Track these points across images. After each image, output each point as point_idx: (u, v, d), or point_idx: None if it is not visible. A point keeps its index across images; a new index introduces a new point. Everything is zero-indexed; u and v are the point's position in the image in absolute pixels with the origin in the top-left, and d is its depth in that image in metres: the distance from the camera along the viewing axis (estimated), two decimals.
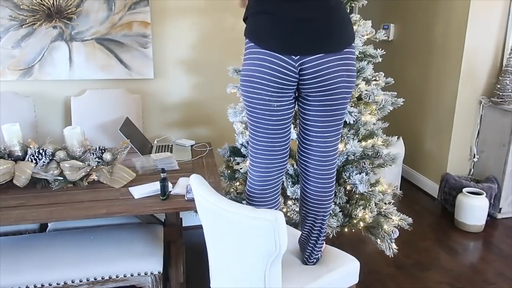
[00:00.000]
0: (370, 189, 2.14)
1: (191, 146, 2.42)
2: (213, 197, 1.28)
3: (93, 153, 1.83)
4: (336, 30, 1.37)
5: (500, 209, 3.09)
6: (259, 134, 1.50)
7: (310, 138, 1.52)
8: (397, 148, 3.27)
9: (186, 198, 1.66)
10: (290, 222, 2.17)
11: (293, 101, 1.48)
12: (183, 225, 2.65)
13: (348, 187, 2.22)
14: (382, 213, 2.24)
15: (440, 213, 3.21)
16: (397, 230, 2.16)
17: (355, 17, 2.14)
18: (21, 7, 2.32)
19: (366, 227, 2.21)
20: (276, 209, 1.62)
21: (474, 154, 3.32)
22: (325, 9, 1.35)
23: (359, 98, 2.20)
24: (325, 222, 1.61)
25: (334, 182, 1.59)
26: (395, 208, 2.28)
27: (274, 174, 1.56)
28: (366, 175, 2.10)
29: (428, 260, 2.55)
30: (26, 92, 2.47)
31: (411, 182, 3.83)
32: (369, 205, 2.18)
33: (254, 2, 1.41)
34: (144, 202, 1.65)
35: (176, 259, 1.87)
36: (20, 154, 1.80)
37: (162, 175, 1.65)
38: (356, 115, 2.08)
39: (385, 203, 2.26)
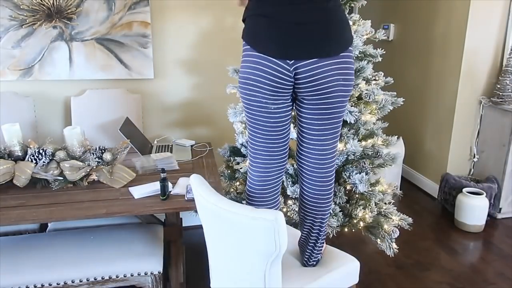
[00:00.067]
0: (370, 189, 2.14)
1: (191, 146, 2.42)
2: (213, 197, 1.28)
3: (93, 153, 1.83)
4: (332, 34, 1.36)
5: (500, 209, 3.09)
6: (258, 135, 1.50)
7: (307, 141, 1.51)
8: (397, 148, 3.27)
9: (186, 198, 1.66)
10: (290, 222, 2.17)
11: (290, 103, 1.48)
12: (183, 225, 2.65)
13: (348, 187, 2.22)
14: (382, 213, 2.24)
15: (440, 213, 3.21)
16: (397, 230, 2.16)
17: (355, 17, 2.14)
18: (21, 7, 2.32)
19: (366, 227, 2.21)
20: (276, 209, 1.62)
21: (474, 154, 3.32)
22: (323, 12, 1.35)
23: (359, 98, 2.20)
24: (323, 224, 1.61)
25: (333, 185, 1.59)
26: (395, 208, 2.28)
27: (274, 174, 1.56)
28: (366, 174, 2.10)
29: (428, 260, 2.55)
30: (26, 92, 2.47)
31: (411, 182, 3.83)
32: (369, 205, 2.18)
33: (254, 4, 1.41)
34: (144, 202, 1.65)
35: (176, 259, 1.87)
36: (20, 154, 1.80)
37: (162, 175, 1.65)
38: (356, 115, 2.08)
39: (385, 203, 2.26)
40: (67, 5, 2.37)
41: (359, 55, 2.17)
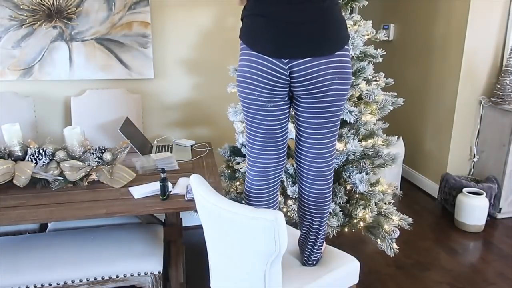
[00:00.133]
0: (370, 189, 2.14)
1: (191, 146, 2.42)
2: (213, 197, 1.28)
3: (93, 153, 1.83)
4: (328, 33, 1.36)
5: (500, 209, 3.09)
6: (256, 134, 1.51)
7: (305, 140, 1.52)
8: (397, 148, 3.27)
9: (186, 198, 1.66)
10: (290, 222, 2.17)
11: (287, 101, 1.48)
12: (183, 225, 2.65)
13: (348, 187, 2.22)
14: (382, 213, 2.24)
15: (440, 213, 3.21)
16: (397, 230, 2.16)
17: (355, 17, 2.14)
18: (21, 7, 2.32)
19: (366, 227, 2.21)
20: (274, 209, 1.62)
21: (474, 154, 3.32)
22: (320, 11, 1.35)
23: (360, 98, 2.20)
24: (322, 224, 1.61)
25: (331, 185, 1.59)
26: (395, 208, 2.28)
27: (272, 174, 1.56)
28: (366, 174, 2.10)
29: (428, 260, 2.55)
30: (26, 92, 2.47)
31: (411, 182, 3.83)
32: (369, 205, 2.18)
33: (251, 3, 1.41)
34: (144, 202, 1.65)
35: (176, 259, 1.87)
36: (20, 154, 1.80)
37: (162, 175, 1.65)
38: (356, 115, 2.08)
39: (385, 203, 2.26)
40: (67, 5, 2.37)
41: (359, 55, 2.17)
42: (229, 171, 2.41)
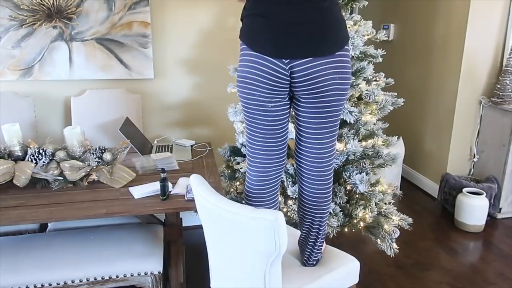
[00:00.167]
0: (370, 189, 2.14)
1: (191, 146, 2.42)
2: (213, 197, 1.28)
3: (93, 153, 1.83)
4: (328, 34, 1.36)
5: (500, 209, 3.09)
6: (256, 134, 1.51)
7: (305, 139, 1.52)
8: (397, 148, 3.27)
9: (186, 198, 1.66)
10: (290, 222, 2.17)
11: (288, 101, 1.49)
12: (183, 225, 2.65)
13: (348, 187, 2.22)
14: (382, 213, 2.24)
15: (440, 213, 3.21)
16: (397, 230, 2.16)
17: (355, 17, 2.14)
18: (21, 7, 2.32)
19: (366, 227, 2.21)
20: (274, 209, 1.62)
21: (474, 154, 3.32)
22: (319, 11, 1.35)
23: (360, 98, 2.20)
24: (323, 224, 1.61)
25: (331, 185, 1.59)
26: (395, 208, 2.28)
27: (272, 174, 1.56)
28: (366, 175, 2.10)
29: (428, 260, 2.55)
30: (26, 92, 2.47)
31: (411, 182, 3.83)
32: (369, 205, 2.18)
33: (251, 3, 1.41)
34: (144, 202, 1.65)
35: (176, 259, 1.87)
36: (20, 154, 1.80)
37: (162, 175, 1.65)
38: (356, 115, 2.08)
39: (385, 203, 2.26)
40: (67, 5, 2.37)
41: (359, 55, 2.17)
42: (229, 171, 2.41)
